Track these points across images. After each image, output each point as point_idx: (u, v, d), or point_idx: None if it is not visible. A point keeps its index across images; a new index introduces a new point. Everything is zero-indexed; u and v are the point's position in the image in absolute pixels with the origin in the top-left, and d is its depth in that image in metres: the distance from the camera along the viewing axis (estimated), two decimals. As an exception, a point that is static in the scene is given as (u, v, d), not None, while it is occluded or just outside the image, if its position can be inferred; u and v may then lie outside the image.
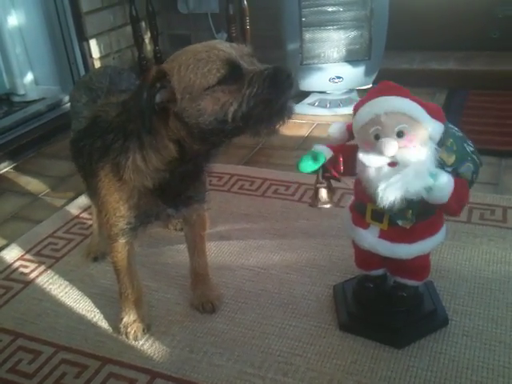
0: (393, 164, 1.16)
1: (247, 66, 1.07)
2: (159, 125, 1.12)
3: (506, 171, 2.13)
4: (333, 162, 1.27)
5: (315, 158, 1.25)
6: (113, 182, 1.25)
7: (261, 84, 1.04)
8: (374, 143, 1.17)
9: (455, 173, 1.22)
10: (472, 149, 1.28)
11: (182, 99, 1.08)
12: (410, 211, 1.20)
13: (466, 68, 3.05)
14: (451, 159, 1.22)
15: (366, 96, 1.24)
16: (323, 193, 1.27)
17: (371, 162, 1.17)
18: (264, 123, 1.08)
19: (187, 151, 1.16)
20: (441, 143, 1.20)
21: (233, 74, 1.05)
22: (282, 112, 1.08)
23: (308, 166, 1.26)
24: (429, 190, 1.14)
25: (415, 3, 3.24)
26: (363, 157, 1.18)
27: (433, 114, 1.17)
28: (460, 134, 1.28)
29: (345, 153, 1.28)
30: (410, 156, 1.14)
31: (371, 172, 1.17)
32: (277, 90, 1.05)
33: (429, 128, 1.15)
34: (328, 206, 1.29)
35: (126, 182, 1.23)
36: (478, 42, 3.16)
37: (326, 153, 1.27)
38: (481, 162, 1.29)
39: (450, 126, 1.29)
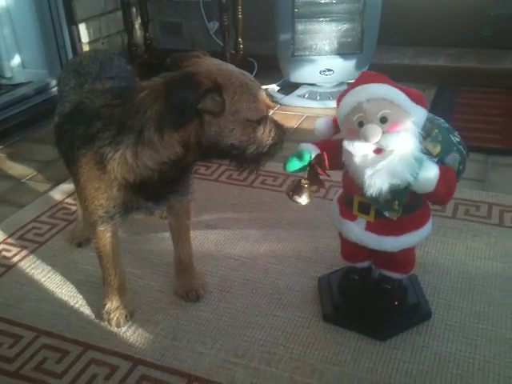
0: (378, 150, 1.16)
1: (270, 115, 1.24)
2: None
3: (493, 168, 2.15)
4: (317, 159, 1.27)
5: (300, 157, 1.27)
6: (93, 170, 1.24)
7: (275, 137, 1.23)
8: (358, 131, 1.17)
9: (441, 163, 1.22)
10: (458, 140, 1.28)
11: (225, 118, 1.14)
12: (396, 202, 1.19)
13: (456, 65, 3.06)
14: (437, 149, 1.23)
15: (347, 87, 1.25)
16: (305, 191, 1.27)
17: (356, 149, 1.17)
18: (256, 165, 1.24)
19: (184, 157, 1.20)
20: (426, 134, 1.21)
21: (265, 118, 1.21)
22: (266, 162, 1.25)
23: (294, 165, 1.27)
24: (415, 175, 1.14)
25: (408, -2, 3.24)
26: (348, 145, 1.18)
27: (415, 99, 1.18)
28: (446, 125, 1.29)
29: (330, 149, 1.28)
30: (394, 141, 1.14)
31: (357, 160, 1.17)
32: (280, 147, 1.25)
33: (411, 113, 1.16)
34: (304, 203, 1.28)
35: (107, 172, 1.22)
36: (469, 39, 3.17)
37: (311, 151, 1.28)
38: (467, 153, 1.29)
39: (436, 117, 1.30)
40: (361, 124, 1.17)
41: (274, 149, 1.23)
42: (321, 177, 1.29)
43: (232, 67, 1.20)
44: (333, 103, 2.80)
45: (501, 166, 2.17)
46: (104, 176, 1.23)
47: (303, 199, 1.27)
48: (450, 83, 2.99)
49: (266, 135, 1.21)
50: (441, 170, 1.17)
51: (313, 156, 1.27)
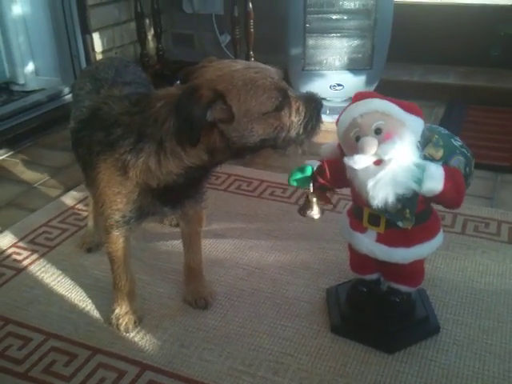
0: (378, 162, 1.18)
1: (291, 94, 1.18)
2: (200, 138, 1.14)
3: (502, 186, 2.15)
4: (319, 171, 1.30)
5: (302, 170, 1.30)
6: (114, 175, 1.25)
7: (307, 113, 1.18)
8: (355, 145, 1.20)
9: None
10: (460, 143, 1.30)
11: (238, 122, 1.13)
12: (408, 210, 1.20)
13: (465, 83, 3.08)
14: (439, 153, 1.24)
15: (344, 108, 1.28)
16: (314, 204, 1.30)
17: (356, 163, 1.19)
18: (300, 145, 1.21)
19: (213, 160, 1.20)
20: (427, 140, 1.23)
21: (284, 101, 1.15)
22: (314, 135, 1.22)
23: (295, 177, 1.31)
24: (419, 181, 1.15)
25: (418, 16, 3.27)
26: (348, 160, 1.20)
27: (407, 109, 1.21)
28: (445, 131, 1.31)
29: (333, 164, 1.30)
30: (390, 150, 1.16)
31: (359, 174, 1.19)
32: (318, 119, 1.20)
33: (404, 121, 1.18)
34: (316, 217, 1.31)
35: (129, 178, 1.23)
36: (478, 58, 3.20)
37: (314, 165, 1.31)
38: (472, 155, 1.30)
39: (435, 126, 1.33)
40: (357, 138, 1.20)
41: (310, 125, 1.19)
42: (328, 194, 1.33)
43: (236, 66, 1.17)
44: (342, 118, 2.83)
45: (510, 183, 2.17)
46: (125, 182, 1.24)
47: (314, 213, 1.30)
48: (459, 101, 3.00)
49: (294, 116, 1.17)
50: (446, 170, 1.19)
51: (314, 169, 1.30)
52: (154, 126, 1.18)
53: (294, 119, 1.17)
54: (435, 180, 1.17)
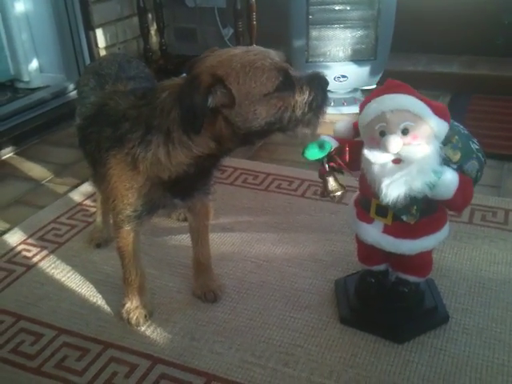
0: (397, 161, 1.17)
1: (294, 74, 1.16)
2: (204, 125, 1.13)
3: (509, 174, 2.15)
4: (339, 151, 1.27)
5: (322, 146, 1.26)
6: (125, 170, 1.26)
7: (312, 92, 1.16)
8: (379, 140, 1.18)
9: (460, 170, 1.23)
10: (477, 147, 1.29)
11: (240, 105, 1.12)
12: (415, 207, 1.21)
13: (469, 72, 3.07)
14: (457, 156, 1.23)
15: (372, 93, 1.25)
16: (332, 181, 1.27)
17: (376, 158, 1.19)
18: (308, 125, 1.19)
19: (221, 148, 1.20)
20: (446, 140, 1.21)
21: (285, 81, 1.13)
22: (322, 115, 1.20)
23: (314, 153, 1.26)
24: (432, 187, 1.16)
25: (422, 6, 3.25)
26: (368, 153, 1.20)
27: (438, 112, 1.19)
28: (465, 131, 1.30)
29: (351, 146, 1.29)
30: (414, 153, 1.16)
31: (376, 168, 1.19)
32: (324, 96, 1.18)
33: (433, 126, 1.16)
34: (339, 193, 1.28)
35: (140, 172, 1.24)
36: (482, 47, 3.18)
37: (332, 142, 1.28)
38: (485, 160, 1.30)
39: (456, 123, 1.30)
40: (382, 133, 1.18)
41: (315, 103, 1.16)
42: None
43: (235, 51, 1.16)
44: (347, 109, 2.83)
45: (516, 172, 2.17)
46: (136, 176, 1.25)
47: (337, 189, 1.26)
48: (464, 90, 2.99)
49: (298, 96, 1.15)
50: (460, 181, 1.18)
51: (333, 147, 1.26)
52: (160, 117, 1.18)
53: (298, 98, 1.15)
54: (448, 188, 1.17)
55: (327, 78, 1.19)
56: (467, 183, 1.22)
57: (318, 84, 1.17)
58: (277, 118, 1.15)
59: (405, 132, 1.16)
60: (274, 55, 1.16)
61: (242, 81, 1.11)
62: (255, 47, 1.19)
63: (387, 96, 1.20)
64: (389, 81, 1.25)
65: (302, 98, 1.15)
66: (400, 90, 1.20)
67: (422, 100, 1.19)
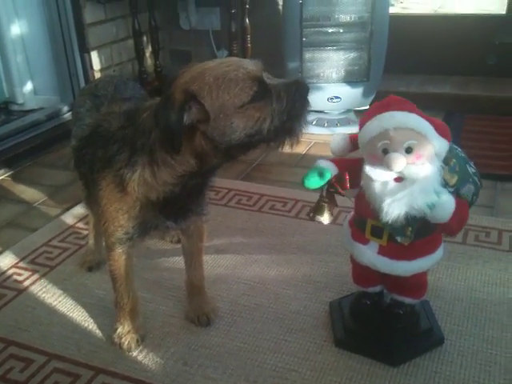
0: (399, 179, 1.17)
1: (270, 82, 1.13)
2: (183, 143, 1.12)
3: (502, 194, 2.16)
4: (338, 178, 1.26)
5: (321, 174, 1.24)
6: (114, 192, 1.26)
7: (289, 98, 1.11)
8: (381, 157, 1.17)
9: (456, 193, 1.23)
10: (474, 170, 1.29)
11: (215, 119, 1.10)
12: (410, 228, 1.21)
13: (462, 92, 3.10)
14: (454, 180, 1.23)
15: (372, 109, 1.23)
16: (326, 210, 1.27)
17: (378, 176, 1.17)
18: (290, 134, 1.15)
19: (205, 165, 1.18)
20: (444, 163, 1.21)
21: (261, 90, 1.10)
22: (304, 122, 1.15)
23: (314, 182, 1.25)
24: (432, 207, 1.15)
25: (414, 28, 3.30)
26: (370, 170, 1.18)
27: (439, 130, 1.18)
28: (463, 154, 1.30)
29: (349, 168, 1.27)
30: (417, 172, 1.15)
31: (376, 186, 1.18)
32: (303, 102, 1.13)
33: (436, 145, 1.16)
34: (327, 222, 1.29)
35: (129, 193, 1.23)
36: (474, 67, 3.22)
37: (331, 169, 1.27)
38: (481, 184, 1.30)
39: (454, 146, 1.30)
40: (385, 151, 1.17)
41: (295, 110, 1.12)
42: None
43: (210, 64, 1.13)
44: (340, 130, 2.83)
45: (509, 192, 2.17)
46: (125, 197, 1.24)
47: (324, 218, 1.28)
48: (457, 110, 3.02)
49: (275, 104, 1.10)
50: (457, 205, 1.17)
51: (332, 174, 1.26)
52: (143, 137, 1.18)
53: (276, 106, 1.11)
54: (445, 211, 1.16)
55: (307, 83, 1.16)
56: (463, 207, 1.22)
57: (296, 90, 1.12)
58: (256, 130, 1.11)
59: (409, 151, 1.15)
60: (249, 64, 1.12)
61: (215, 94, 1.08)
62: (230, 58, 1.16)
63: (391, 113, 1.18)
64: (390, 97, 1.24)
65: (280, 105, 1.11)
66: (402, 107, 1.19)
67: (424, 118, 1.18)
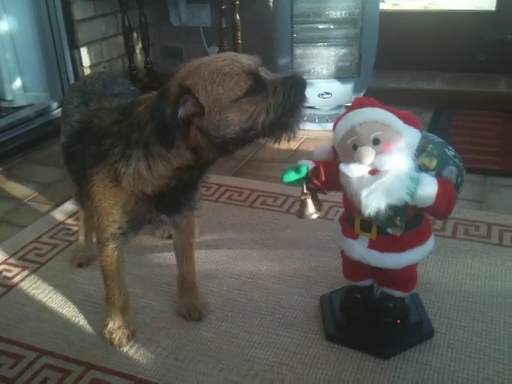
0: (373, 171, 1.18)
1: (266, 76, 1.13)
2: (178, 137, 1.12)
3: (491, 189, 2.17)
4: (314, 172, 1.29)
5: (298, 169, 1.28)
6: (108, 187, 1.25)
7: (286, 93, 1.11)
8: (352, 153, 1.20)
9: (438, 176, 1.24)
10: (453, 153, 1.30)
11: (209, 112, 1.10)
12: (398, 218, 1.21)
13: (452, 88, 3.11)
14: (433, 163, 1.25)
15: (343, 113, 1.27)
16: (309, 204, 1.29)
17: (352, 171, 1.19)
18: (286, 129, 1.14)
19: (200, 159, 1.18)
20: (421, 149, 1.23)
21: (256, 84, 1.10)
22: (300, 117, 1.15)
23: (290, 176, 1.28)
24: (412, 194, 1.16)
25: (405, 24, 3.31)
26: (344, 167, 1.21)
27: (405, 120, 1.21)
28: (439, 139, 1.31)
29: (328, 167, 1.30)
30: (387, 161, 1.16)
31: (354, 182, 1.19)
32: (299, 97, 1.13)
33: (404, 133, 1.18)
34: (315, 216, 1.30)
35: (123, 188, 1.23)
36: (464, 63, 3.24)
37: (309, 165, 1.30)
38: (464, 165, 1.31)
39: (429, 133, 1.32)
40: (355, 147, 1.19)
41: (291, 105, 1.12)
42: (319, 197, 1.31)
43: (205, 59, 1.14)
44: (331, 125, 2.83)
45: (499, 186, 2.19)
46: (120, 192, 1.23)
47: (311, 212, 1.29)
48: (446, 106, 3.04)
49: (271, 98, 1.11)
50: (439, 182, 1.19)
51: (309, 169, 1.29)
52: (137, 131, 1.18)
53: (271, 101, 1.11)
54: (428, 193, 1.18)
55: (304, 78, 1.15)
56: (447, 185, 1.22)
57: (293, 85, 1.12)
58: (251, 124, 1.11)
59: (376, 142, 1.18)
60: (245, 59, 1.12)
61: (209, 88, 1.09)
62: (226, 53, 1.16)
63: (355, 111, 1.22)
64: (356, 98, 1.28)
65: (276, 100, 1.11)
66: (367, 105, 1.23)
67: (387, 110, 1.22)
